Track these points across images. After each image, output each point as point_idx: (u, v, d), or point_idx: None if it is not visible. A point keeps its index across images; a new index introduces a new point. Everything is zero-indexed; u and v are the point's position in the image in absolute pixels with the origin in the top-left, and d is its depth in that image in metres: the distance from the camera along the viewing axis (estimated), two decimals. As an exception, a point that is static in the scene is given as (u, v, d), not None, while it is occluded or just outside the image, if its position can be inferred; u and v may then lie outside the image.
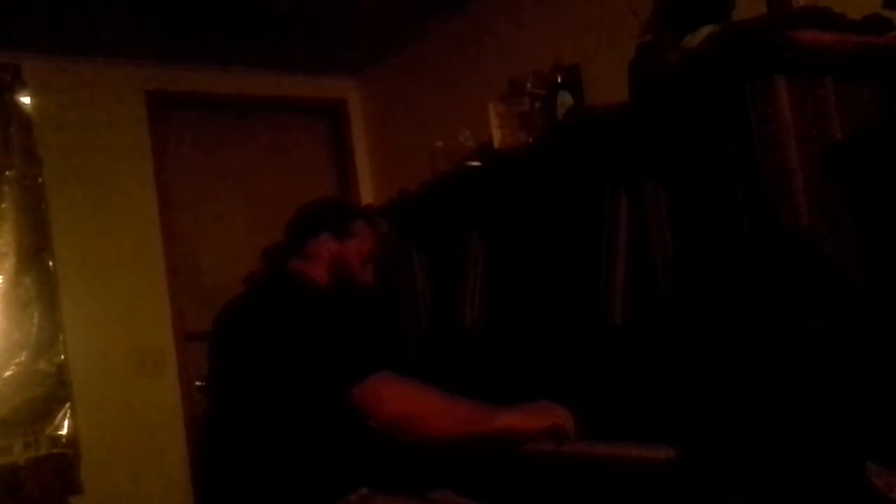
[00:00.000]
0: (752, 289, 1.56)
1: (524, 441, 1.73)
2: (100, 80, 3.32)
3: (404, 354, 2.66)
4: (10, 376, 2.95)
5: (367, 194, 3.90)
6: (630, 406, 1.73)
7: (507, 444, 1.73)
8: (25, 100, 3.12)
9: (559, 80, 2.43)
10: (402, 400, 1.68)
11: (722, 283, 1.65)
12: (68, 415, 3.03)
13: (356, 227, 2.07)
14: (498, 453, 1.76)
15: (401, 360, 2.36)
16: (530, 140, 2.36)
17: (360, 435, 1.77)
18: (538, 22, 2.90)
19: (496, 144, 2.53)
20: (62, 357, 3.05)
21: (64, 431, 3.02)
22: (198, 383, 3.34)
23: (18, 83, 3.11)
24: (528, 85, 2.45)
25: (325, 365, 1.70)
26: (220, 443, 1.85)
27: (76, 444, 3.04)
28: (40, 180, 3.11)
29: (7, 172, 3.05)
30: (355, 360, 1.69)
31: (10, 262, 3.01)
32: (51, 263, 3.09)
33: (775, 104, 1.51)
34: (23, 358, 2.99)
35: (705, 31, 1.83)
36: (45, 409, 2.99)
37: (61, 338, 3.07)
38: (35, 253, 3.07)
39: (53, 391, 3.02)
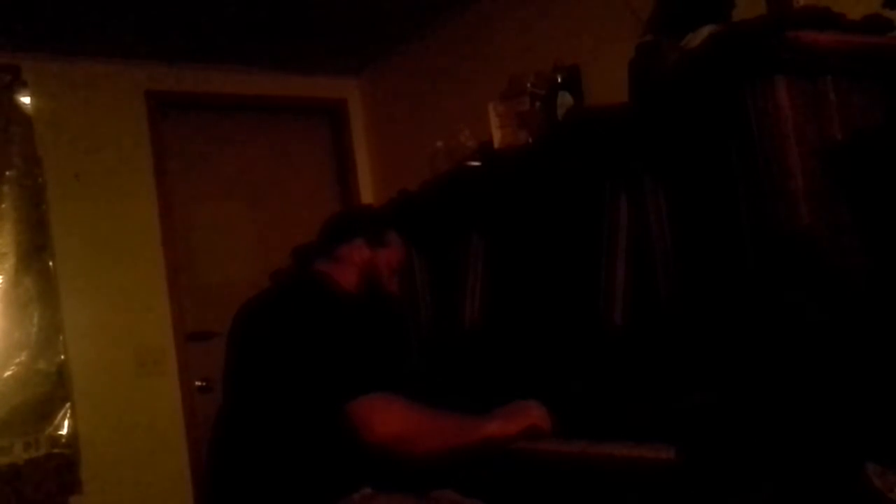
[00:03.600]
0: (752, 288, 1.56)
1: (504, 446, 1.75)
2: (100, 80, 3.32)
3: (405, 357, 2.67)
4: (10, 376, 2.95)
5: (367, 194, 3.90)
6: (629, 406, 1.73)
7: (489, 452, 1.75)
8: (25, 100, 3.12)
9: (559, 80, 2.43)
10: (393, 423, 1.68)
11: (722, 282, 1.66)
12: (68, 415, 3.02)
13: (390, 238, 2.09)
14: (483, 459, 1.77)
15: (403, 374, 2.37)
16: (530, 140, 2.36)
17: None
18: (538, 22, 2.90)
19: (496, 144, 2.53)
20: (62, 357, 3.05)
21: (64, 431, 3.01)
22: (198, 383, 3.35)
23: (18, 83, 3.11)
24: (528, 85, 2.46)
25: (326, 375, 1.71)
26: (227, 437, 1.86)
27: (76, 444, 3.04)
28: (40, 180, 3.11)
29: (7, 172, 3.04)
30: (355, 376, 1.70)
31: (10, 262, 3.00)
32: (51, 263, 3.09)
33: (775, 104, 1.51)
34: (23, 358, 2.98)
35: (705, 31, 1.84)
36: (45, 409, 2.99)
37: (61, 338, 3.06)
38: (35, 253, 3.06)
39: (53, 391, 3.01)
